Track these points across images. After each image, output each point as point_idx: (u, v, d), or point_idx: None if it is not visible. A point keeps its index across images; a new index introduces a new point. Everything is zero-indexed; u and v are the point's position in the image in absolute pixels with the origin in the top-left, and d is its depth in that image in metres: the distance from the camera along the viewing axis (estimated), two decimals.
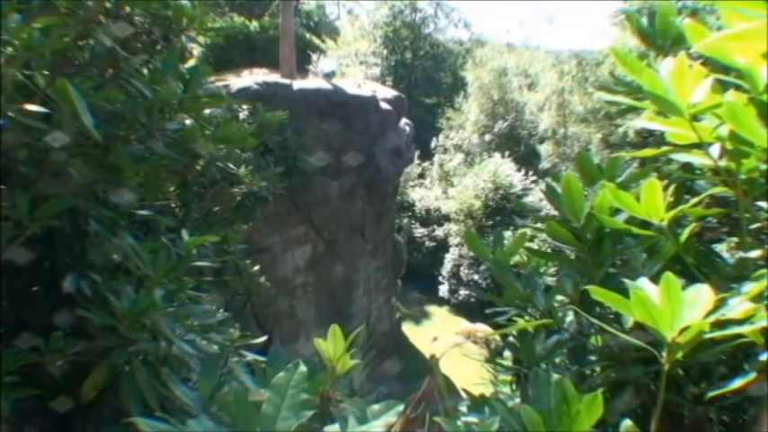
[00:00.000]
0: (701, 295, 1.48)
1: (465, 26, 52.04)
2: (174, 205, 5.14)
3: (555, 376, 1.56)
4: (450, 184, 40.14)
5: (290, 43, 21.95)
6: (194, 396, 2.08)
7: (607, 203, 2.02)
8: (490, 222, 35.37)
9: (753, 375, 1.64)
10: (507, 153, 39.47)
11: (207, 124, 3.33)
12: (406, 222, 38.60)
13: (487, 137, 43.29)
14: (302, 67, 23.24)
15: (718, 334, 1.42)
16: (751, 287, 1.53)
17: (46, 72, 2.52)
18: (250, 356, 3.82)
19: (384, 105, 23.10)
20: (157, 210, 4.31)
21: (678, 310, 1.38)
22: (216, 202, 6.53)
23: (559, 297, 2.62)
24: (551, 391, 1.52)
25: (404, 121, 25.41)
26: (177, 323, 2.85)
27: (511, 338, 2.86)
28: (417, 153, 33.23)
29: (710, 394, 1.75)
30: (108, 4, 2.60)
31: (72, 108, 2.28)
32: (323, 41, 29.13)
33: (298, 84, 20.55)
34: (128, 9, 2.96)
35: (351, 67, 38.23)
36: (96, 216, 3.27)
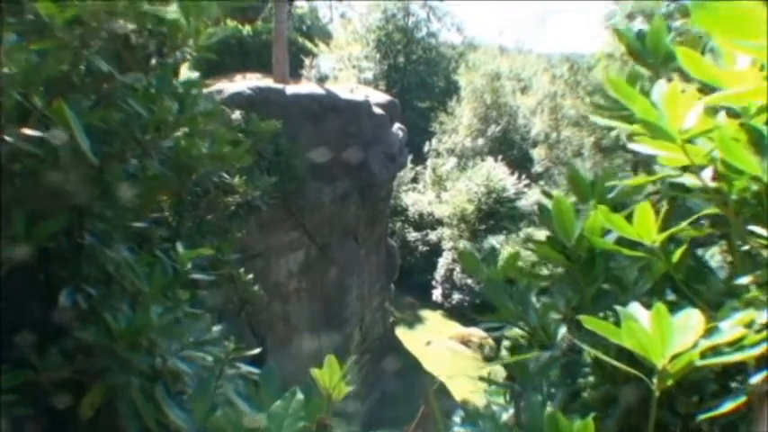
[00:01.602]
0: (692, 320, 1.50)
1: (458, 30, 52.19)
2: (167, 214, 5.15)
3: (548, 409, 1.57)
4: (443, 189, 40.23)
5: (283, 47, 21.97)
6: (188, 418, 2.09)
7: (599, 224, 2.04)
8: (483, 226, 35.52)
9: (743, 399, 1.66)
10: (500, 157, 39.64)
11: (202, 140, 3.34)
12: (400, 227, 38.64)
13: (480, 141, 43.43)
14: (295, 72, 23.25)
15: (709, 362, 1.44)
16: (742, 315, 1.55)
17: (41, 88, 2.53)
18: (244, 368, 3.82)
19: (377, 110, 23.15)
20: (151, 220, 4.31)
21: (668, 338, 1.40)
22: (210, 211, 6.53)
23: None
24: (544, 423, 1.53)
25: (397, 125, 25.47)
26: (173, 339, 2.85)
27: (504, 352, 2.88)
28: (410, 157, 33.28)
29: (702, 417, 1.77)
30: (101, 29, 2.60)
31: (68, 130, 2.28)
32: (315, 45, 29.15)
33: (291, 89, 20.57)
34: (122, 24, 2.96)
35: (344, 71, 38.28)
36: (91, 229, 3.27)
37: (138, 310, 2.85)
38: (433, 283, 36.20)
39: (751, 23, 1.20)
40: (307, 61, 24.58)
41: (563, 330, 2.56)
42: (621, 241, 2.03)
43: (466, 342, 31.37)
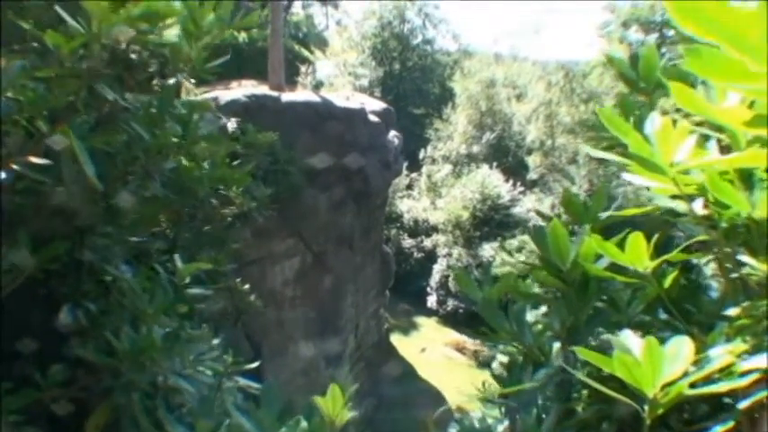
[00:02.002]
0: (683, 349, 1.55)
1: (453, 37, 52.34)
2: (164, 226, 5.17)
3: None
4: (438, 195, 40.28)
5: (279, 55, 22.04)
6: None
7: (593, 251, 2.09)
8: (478, 233, 35.55)
9: (731, 423, 1.71)
10: (495, 164, 39.71)
11: (203, 160, 3.38)
12: (395, 233, 38.67)
13: (475, 148, 43.49)
14: (291, 79, 23.31)
15: (698, 392, 1.48)
16: (732, 346, 1.60)
17: (45, 112, 2.56)
18: (242, 382, 3.86)
19: (372, 118, 23.21)
20: (149, 233, 4.33)
21: (659, 369, 1.45)
22: (207, 222, 6.56)
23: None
24: None
25: (392, 133, 25.53)
26: (175, 358, 2.88)
27: (497, 366, 2.93)
28: (405, 164, 33.31)
29: None
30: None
31: (74, 156, 2.32)
32: (311, 52, 29.23)
33: (286, 96, 20.62)
34: (124, 45, 3.00)
35: (339, 78, 38.32)
36: (91, 245, 3.30)
37: (140, 329, 2.89)
38: (428, 289, 36.23)
39: (746, 69, 1.25)
40: (303, 68, 24.66)
41: (558, 349, 2.61)
42: (615, 267, 2.08)
43: (461, 349, 31.41)
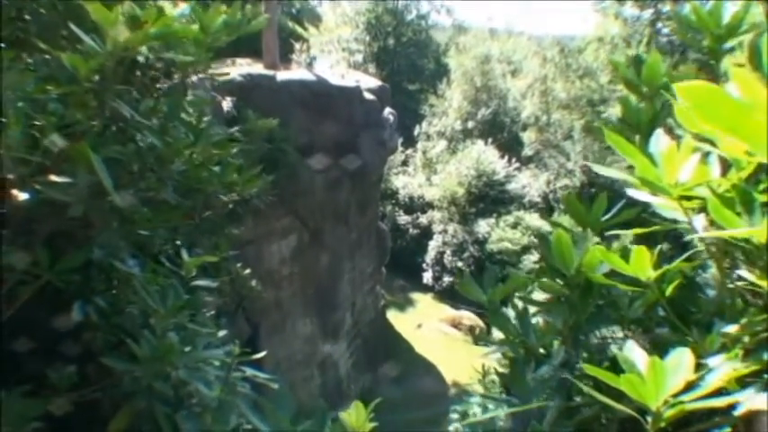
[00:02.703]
0: (683, 360, 1.63)
1: (447, 12, 52.03)
2: None
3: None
4: (433, 172, 40.28)
5: (274, 35, 21.90)
6: None
7: (596, 260, 2.17)
8: (473, 209, 35.65)
9: (728, 429, 1.80)
10: (490, 140, 39.71)
11: (210, 163, 3.43)
12: (390, 210, 38.71)
13: (470, 123, 43.43)
14: (285, 57, 23.19)
15: (698, 406, 1.56)
16: (729, 367, 1.67)
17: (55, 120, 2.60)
18: (249, 372, 3.93)
19: (368, 95, 23.16)
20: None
21: (663, 386, 1.52)
22: (207, 209, 6.58)
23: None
24: None
25: (387, 110, 25.49)
26: (188, 358, 2.94)
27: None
28: (400, 140, 33.26)
29: None
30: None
31: (90, 168, 2.36)
32: (305, 29, 28.99)
33: (281, 75, 20.55)
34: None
35: (333, 54, 38.08)
36: (99, 242, 3.34)
37: (150, 324, 2.95)
38: (424, 266, 36.38)
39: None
40: (297, 45, 24.50)
41: (560, 348, 2.69)
42: (617, 273, 2.14)
43: (456, 325, 31.64)
